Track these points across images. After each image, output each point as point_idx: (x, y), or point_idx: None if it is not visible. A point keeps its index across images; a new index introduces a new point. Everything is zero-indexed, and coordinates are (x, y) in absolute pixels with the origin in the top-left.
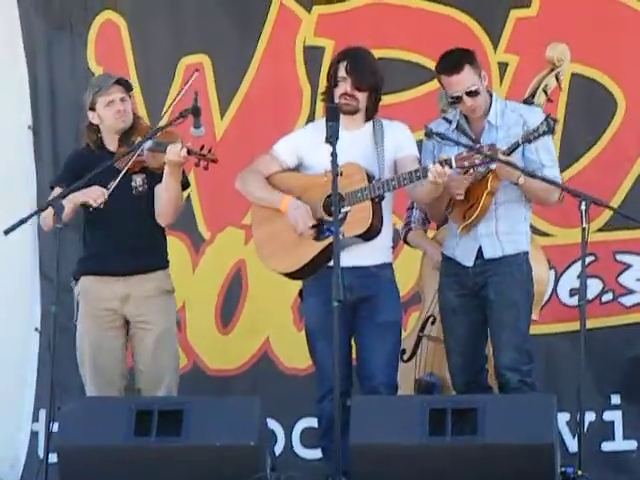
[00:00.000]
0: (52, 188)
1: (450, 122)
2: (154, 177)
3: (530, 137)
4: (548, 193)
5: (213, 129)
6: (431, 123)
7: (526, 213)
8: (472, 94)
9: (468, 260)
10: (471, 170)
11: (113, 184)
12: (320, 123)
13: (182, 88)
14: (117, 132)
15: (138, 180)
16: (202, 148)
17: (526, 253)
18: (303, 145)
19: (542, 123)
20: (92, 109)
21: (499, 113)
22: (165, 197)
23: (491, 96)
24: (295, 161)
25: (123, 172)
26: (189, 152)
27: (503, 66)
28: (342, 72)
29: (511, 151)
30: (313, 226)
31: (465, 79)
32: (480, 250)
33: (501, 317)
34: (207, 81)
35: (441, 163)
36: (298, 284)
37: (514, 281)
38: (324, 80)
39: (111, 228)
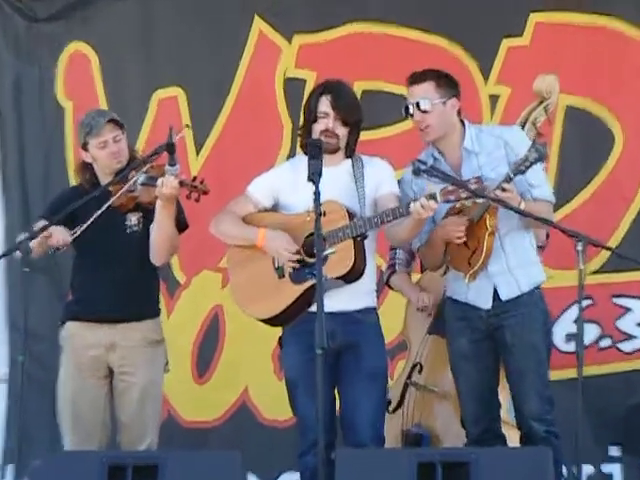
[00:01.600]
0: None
1: (424, 164)
2: (150, 216)
3: (521, 167)
4: (545, 217)
5: (188, 167)
6: (406, 168)
7: (530, 239)
8: (422, 110)
9: (485, 302)
10: (459, 204)
11: (81, 228)
12: (297, 160)
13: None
14: (113, 172)
15: (133, 219)
16: (194, 179)
17: (539, 287)
18: (279, 184)
19: (530, 150)
20: (84, 149)
21: (474, 138)
22: (158, 235)
23: (463, 123)
24: (271, 201)
25: (105, 206)
26: (181, 184)
27: (494, 98)
28: (324, 107)
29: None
30: (297, 261)
31: (420, 91)
32: (495, 291)
33: (521, 363)
34: (182, 116)
35: (426, 197)
36: (278, 331)
37: (532, 322)
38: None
39: (101, 271)
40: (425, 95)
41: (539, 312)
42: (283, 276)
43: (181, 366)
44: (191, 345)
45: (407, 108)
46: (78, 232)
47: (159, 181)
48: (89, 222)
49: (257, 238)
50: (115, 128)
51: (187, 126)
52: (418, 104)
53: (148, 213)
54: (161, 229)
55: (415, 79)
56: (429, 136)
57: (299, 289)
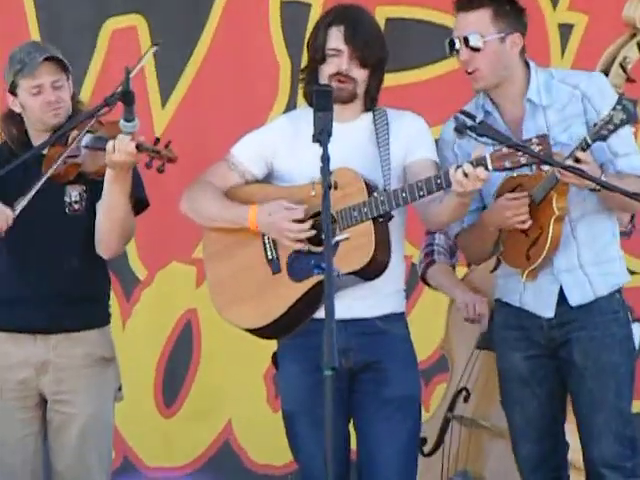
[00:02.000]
0: None
1: (472, 117)
2: (96, 190)
3: (603, 131)
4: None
5: (151, 122)
6: (446, 124)
7: (614, 228)
8: (472, 47)
9: (547, 309)
10: (517, 174)
11: (23, 201)
12: (299, 114)
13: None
14: (48, 128)
15: (74, 194)
16: (156, 142)
17: (620, 290)
18: (274, 146)
19: (615, 109)
20: (12, 92)
21: (542, 87)
22: (106, 216)
23: (528, 67)
24: (263, 169)
25: (43, 179)
26: (139, 147)
27: (566, 29)
28: (336, 41)
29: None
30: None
31: (471, 22)
32: (561, 292)
33: (595, 391)
34: (142, 54)
35: (472, 163)
36: (273, 345)
37: (611, 337)
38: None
39: (29, 263)
40: (477, 27)
41: (619, 323)
42: (279, 270)
43: (141, 393)
44: (154, 364)
45: (452, 43)
46: (19, 209)
47: (109, 144)
48: (30, 195)
49: (248, 217)
50: (57, 70)
51: (157, 45)
52: (466, 39)
53: (94, 186)
54: (111, 208)
55: (465, 4)
56: (478, 83)
57: (301, 288)
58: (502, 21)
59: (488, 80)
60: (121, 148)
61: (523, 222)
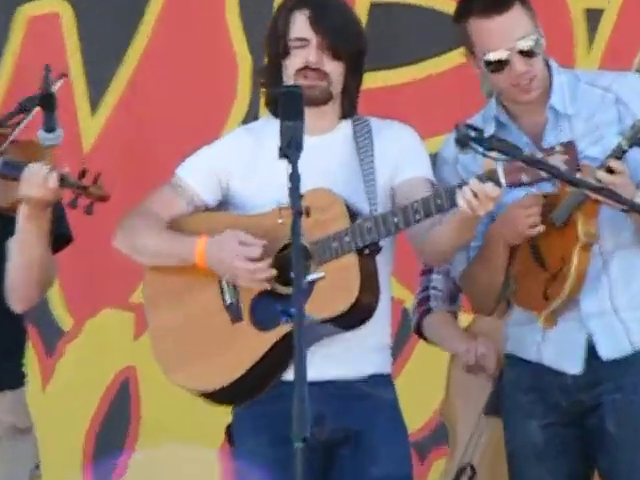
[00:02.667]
0: None
1: (479, 131)
2: (9, 227)
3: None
4: None
5: (78, 134)
6: (445, 137)
7: None
8: (527, 53)
9: (572, 364)
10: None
11: None
12: (260, 125)
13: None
14: None
15: None
16: (83, 175)
17: None
18: (229, 165)
19: None
20: None
21: (567, 92)
22: (19, 260)
23: (549, 67)
24: (216, 194)
25: None
26: (62, 182)
27: (594, 16)
28: (300, 29)
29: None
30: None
31: (515, 24)
32: (590, 344)
33: (631, 468)
34: (67, 48)
35: (481, 178)
36: (227, 413)
37: None
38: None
39: None
40: (521, 29)
41: None
42: (240, 318)
43: (66, 470)
44: (83, 435)
45: (490, 63)
46: None
47: (25, 173)
48: None
49: (194, 251)
50: None
51: (64, 75)
52: (519, 46)
53: (6, 222)
54: (24, 250)
55: (495, 4)
56: (535, 92)
57: (267, 339)
58: (531, 10)
59: (542, 87)
60: (39, 180)
61: (532, 226)
